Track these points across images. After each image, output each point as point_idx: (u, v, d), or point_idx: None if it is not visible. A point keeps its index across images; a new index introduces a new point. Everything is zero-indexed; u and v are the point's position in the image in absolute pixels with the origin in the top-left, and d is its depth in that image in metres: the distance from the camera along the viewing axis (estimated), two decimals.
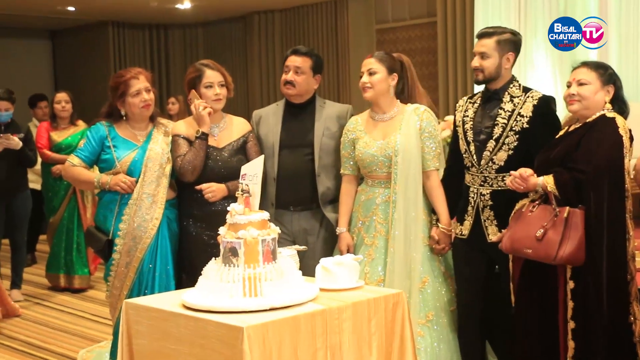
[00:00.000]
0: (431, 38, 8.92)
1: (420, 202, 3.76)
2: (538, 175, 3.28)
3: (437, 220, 3.78)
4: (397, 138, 3.74)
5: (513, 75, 3.67)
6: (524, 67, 7.79)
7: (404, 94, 3.89)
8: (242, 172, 2.96)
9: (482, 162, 3.60)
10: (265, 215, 2.81)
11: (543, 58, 7.66)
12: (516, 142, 3.54)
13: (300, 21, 10.43)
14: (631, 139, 3.26)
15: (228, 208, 2.81)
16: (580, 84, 3.31)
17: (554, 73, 7.44)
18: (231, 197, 3.67)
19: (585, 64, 3.37)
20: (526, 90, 3.64)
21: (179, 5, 10.23)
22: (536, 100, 3.57)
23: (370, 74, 3.77)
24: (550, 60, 7.57)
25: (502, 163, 3.56)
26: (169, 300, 2.86)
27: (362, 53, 9.35)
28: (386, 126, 3.82)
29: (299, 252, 3.16)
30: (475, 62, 3.63)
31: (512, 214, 3.41)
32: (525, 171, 3.28)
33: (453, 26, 8.36)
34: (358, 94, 9.93)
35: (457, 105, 3.82)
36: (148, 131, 3.92)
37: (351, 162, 3.91)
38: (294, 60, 4.00)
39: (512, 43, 3.63)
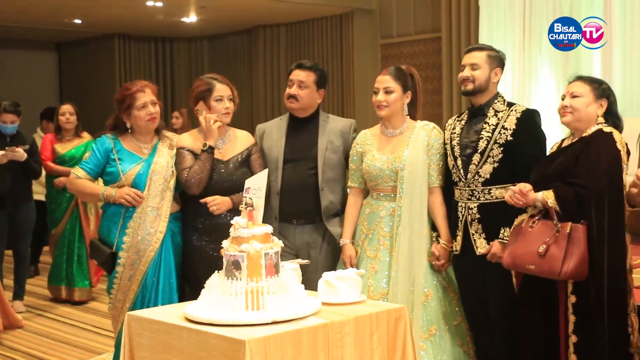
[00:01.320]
0: (435, 53, 8.95)
1: (425, 217, 3.78)
2: (536, 191, 3.29)
3: (438, 236, 3.79)
4: (405, 153, 3.77)
5: (498, 92, 3.75)
6: (528, 83, 7.80)
7: (413, 107, 3.91)
8: (246, 186, 2.97)
9: (469, 175, 3.64)
10: (269, 228, 2.82)
11: (547, 74, 7.67)
12: (501, 155, 3.59)
13: (305, 35, 10.46)
14: (628, 153, 3.29)
15: (232, 221, 2.82)
16: (574, 97, 3.37)
17: (559, 89, 7.45)
18: (235, 210, 3.68)
19: (580, 78, 3.43)
20: (510, 104, 3.72)
21: (184, 19, 10.28)
22: (519, 114, 3.64)
23: (387, 92, 3.79)
24: (555, 76, 7.59)
25: (488, 176, 3.61)
26: (172, 313, 2.86)
27: (366, 68, 9.39)
28: (395, 141, 3.84)
29: (301, 266, 3.16)
30: (466, 72, 3.70)
31: (511, 230, 3.43)
32: (525, 186, 3.30)
33: (457, 41, 8.39)
34: (362, 108, 9.97)
35: (446, 124, 3.89)
36: (153, 144, 3.93)
37: (358, 175, 3.93)
38: (297, 75, 4.02)
39: (499, 60, 3.75)
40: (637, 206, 3.29)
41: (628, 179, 3.29)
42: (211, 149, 3.81)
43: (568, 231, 3.18)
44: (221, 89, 3.88)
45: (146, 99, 3.83)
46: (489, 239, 3.60)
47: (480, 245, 3.62)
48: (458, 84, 3.88)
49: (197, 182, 3.78)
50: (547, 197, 3.25)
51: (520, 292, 3.45)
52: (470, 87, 3.70)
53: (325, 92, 4.15)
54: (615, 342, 3.19)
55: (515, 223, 3.42)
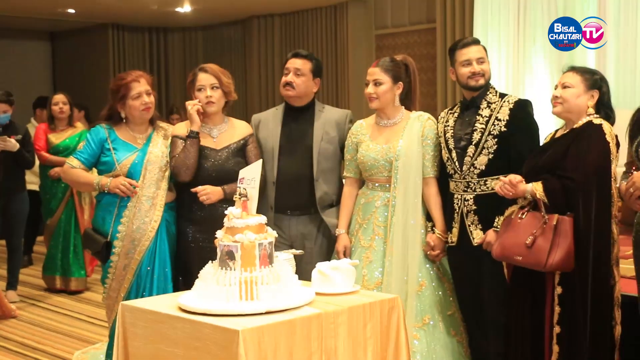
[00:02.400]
0: (430, 44, 8.94)
1: (419, 207, 3.79)
2: (527, 182, 3.31)
3: (433, 226, 3.79)
4: (399, 143, 3.77)
5: (489, 83, 3.74)
6: (522, 73, 7.81)
7: (408, 98, 3.90)
8: (240, 176, 2.97)
9: (464, 167, 3.65)
10: (263, 219, 2.82)
11: (542, 64, 7.68)
12: (495, 146, 3.60)
13: (299, 25, 10.44)
14: (617, 145, 3.30)
15: (226, 212, 2.82)
16: (564, 87, 3.37)
17: (553, 79, 7.46)
18: (229, 201, 3.68)
19: (572, 69, 3.43)
20: (502, 95, 3.72)
21: (179, 9, 10.24)
22: (512, 104, 3.65)
23: (376, 84, 3.78)
24: (549, 67, 7.59)
25: (483, 167, 3.62)
26: (165, 303, 2.86)
27: (361, 58, 9.38)
28: (390, 131, 3.85)
29: (295, 257, 3.17)
30: (476, 67, 3.67)
31: (502, 220, 3.44)
32: (515, 177, 3.31)
33: (452, 32, 8.38)
34: (356, 98, 9.97)
35: (439, 117, 3.89)
36: (148, 134, 3.93)
37: (354, 165, 3.94)
38: (294, 63, 4.02)
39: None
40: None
41: (618, 170, 3.31)
42: (194, 134, 3.81)
43: (555, 223, 3.20)
44: (203, 79, 3.88)
45: (141, 89, 3.83)
46: (486, 229, 3.60)
47: (477, 236, 3.63)
48: (452, 80, 3.86)
49: (184, 167, 3.78)
50: (536, 188, 3.26)
51: (511, 282, 3.46)
52: (482, 81, 3.69)
53: (320, 82, 4.16)
54: (597, 335, 3.20)
55: (506, 214, 3.43)
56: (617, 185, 3.27)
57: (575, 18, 5.16)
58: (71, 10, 10.39)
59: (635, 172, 3.10)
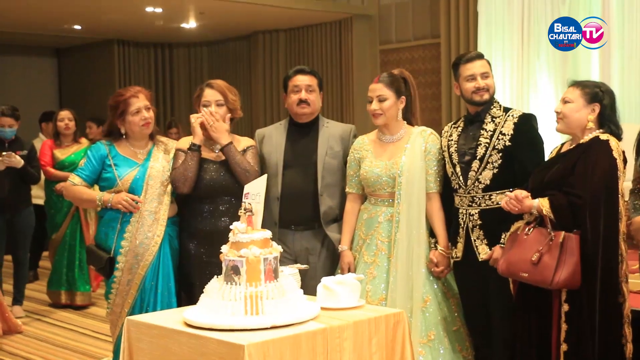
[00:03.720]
0: (435, 59, 8.98)
1: (423, 222, 3.78)
2: (533, 197, 3.28)
3: (436, 242, 3.79)
4: (402, 159, 3.77)
5: (493, 97, 3.73)
6: (527, 90, 7.82)
7: (408, 111, 3.90)
8: (245, 191, 2.98)
9: (469, 182, 3.64)
10: (268, 233, 2.83)
11: (546, 79, 7.69)
12: (500, 160, 3.59)
13: (304, 41, 10.48)
14: (624, 161, 3.27)
15: (231, 226, 2.83)
16: (565, 102, 3.35)
17: (557, 93, 7.47)
18: (231, 215, 3.70)
19: (574, 83, 3.40)
20: (507, 110, 3.71)
21: (184, 25, 10.30)
22: (516, 118, 3.64)
23: (380, 100, 3.79)
24: (553, 81, 7.61)
25: (488, 182, 3.60)
26: (171, 318, 2.86)
27: (366, 73, 9.41)
28: (392, 147, 3.85)
29: (300, 271, 3.17)
30: (480, 82, 3.65)
31: (507, 236, 3.42)
32: (521, 193, 3.29)
33: (456, 47, 8.41)
34: (361, 113, 10.00)
35: (443, 131, 3.88)
36: (148, 149, 3.94)
37: (356, 181, 3.93)
38: (302, 80, 4.02)
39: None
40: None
41: (625, 185, 3.29)
42: (196, 147, 3.82)
43: (561, 240, 3.17)
44: (208, 94, 3.90)
45: (140, 105, 3.84)
46: (491, 244, 3.59)
47: (483, 252, 3.62)
48: (456, 95, 3.84)
49: (183, 179, 3.79)
50: (542, 205, 3.24)
51: (517, 298, 3.44)
52: (486, 96, 3.67)
53: (324, 97, 4.17)
54: (607, 353, 3.17)
55: (512, 230, 3.41)
56: (626, 200, 3.25)
57: None
58: (77, 27, 10.46)
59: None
